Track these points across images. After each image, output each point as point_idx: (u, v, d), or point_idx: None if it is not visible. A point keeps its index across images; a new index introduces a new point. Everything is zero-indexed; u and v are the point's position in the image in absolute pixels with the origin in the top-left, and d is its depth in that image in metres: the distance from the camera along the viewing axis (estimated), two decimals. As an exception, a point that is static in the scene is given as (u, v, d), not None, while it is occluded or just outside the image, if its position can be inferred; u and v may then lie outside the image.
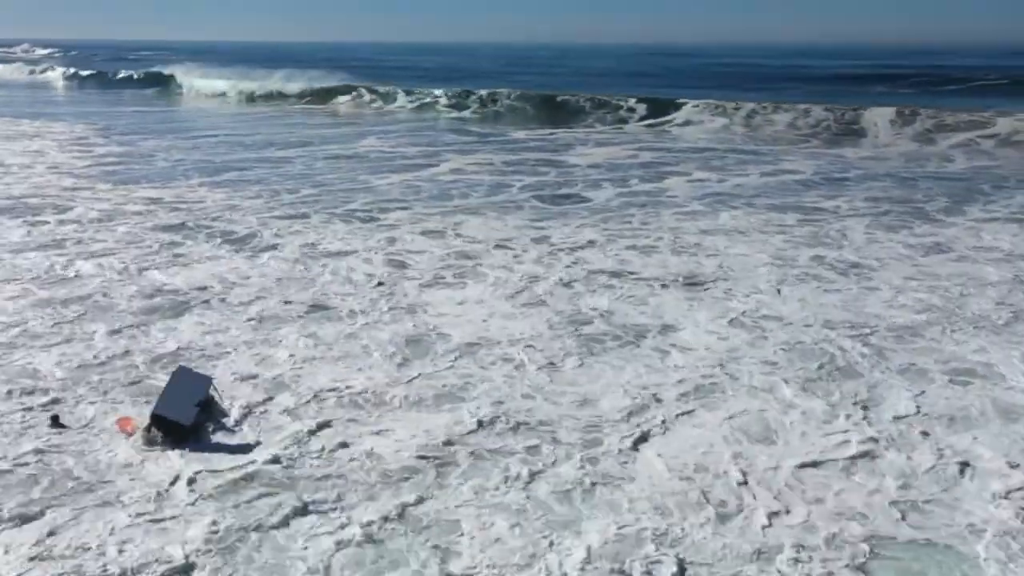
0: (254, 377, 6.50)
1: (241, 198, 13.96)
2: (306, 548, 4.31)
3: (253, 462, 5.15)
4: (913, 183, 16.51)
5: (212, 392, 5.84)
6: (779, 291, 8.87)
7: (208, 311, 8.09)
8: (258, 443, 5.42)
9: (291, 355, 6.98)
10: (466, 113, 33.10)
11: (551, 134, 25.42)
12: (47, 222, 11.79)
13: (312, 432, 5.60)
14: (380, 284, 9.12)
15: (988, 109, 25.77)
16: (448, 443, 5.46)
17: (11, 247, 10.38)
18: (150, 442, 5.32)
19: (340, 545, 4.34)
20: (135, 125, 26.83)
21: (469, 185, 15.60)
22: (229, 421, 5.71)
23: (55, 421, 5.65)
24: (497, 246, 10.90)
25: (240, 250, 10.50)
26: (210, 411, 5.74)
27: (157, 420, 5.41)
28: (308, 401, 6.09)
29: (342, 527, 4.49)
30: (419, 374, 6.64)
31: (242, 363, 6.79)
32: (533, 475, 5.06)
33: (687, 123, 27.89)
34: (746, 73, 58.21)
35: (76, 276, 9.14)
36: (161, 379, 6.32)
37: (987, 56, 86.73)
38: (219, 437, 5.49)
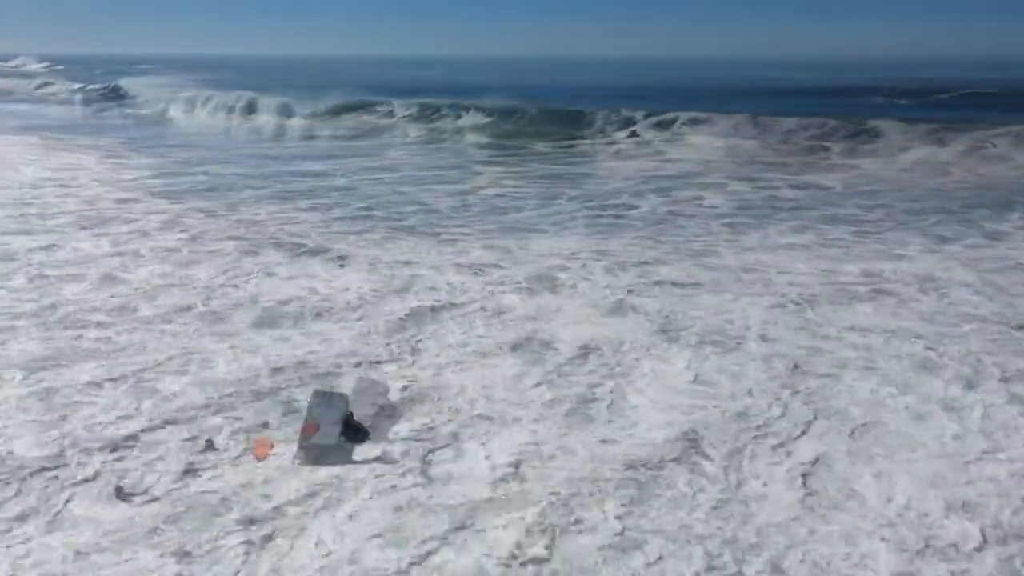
0: (399, 390, 6.60)
1: (295, 210, 14.07)
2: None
3: (437, 488, 5.24)
4: (945, 193, 16.81)
5: (350, 410, 5.93)
6: (864, 307, 9.04)
7: (318, 322, 8.20)
8: (427, 464, 5.47)
9: (419, 366, 7.12)
10: (479, 121, 33.24)
11: (571, 146, 25.66)
12: (118, 233, 11.87)
13: (486, 456, 5.60)
14: (485, 289, 9.32)
15: (988, 120, 26.13)
16: (615, 463, 5.53)
17: (93, 257, 10.49)
18: (305, 464, 5.42)
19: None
20: (158, 139, 26.91)
21: (517, 198, 15.78)
22: (383, 440, 5.78)
23: (209, 445, 5.68)
24: (568, 257, 11.07)
25: (317, 261, 10.63)
26: (357, 431, 5.83)
27: (306, 449, 5.53)
28: (455, 418, 6.18)
29: (539, 557, 4.54)
30: (548, 384, 6.76)
31: (374, 376, 6.88)
32: (703, 494, 5.19)
33: (694, 122, 28.12)
34: (735, 88, 58.20)
35: (173, 285, 9.26)
36: (291, 394, 6.47)
37: (960, 69, 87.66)
38: (385, 464, 5.48)
